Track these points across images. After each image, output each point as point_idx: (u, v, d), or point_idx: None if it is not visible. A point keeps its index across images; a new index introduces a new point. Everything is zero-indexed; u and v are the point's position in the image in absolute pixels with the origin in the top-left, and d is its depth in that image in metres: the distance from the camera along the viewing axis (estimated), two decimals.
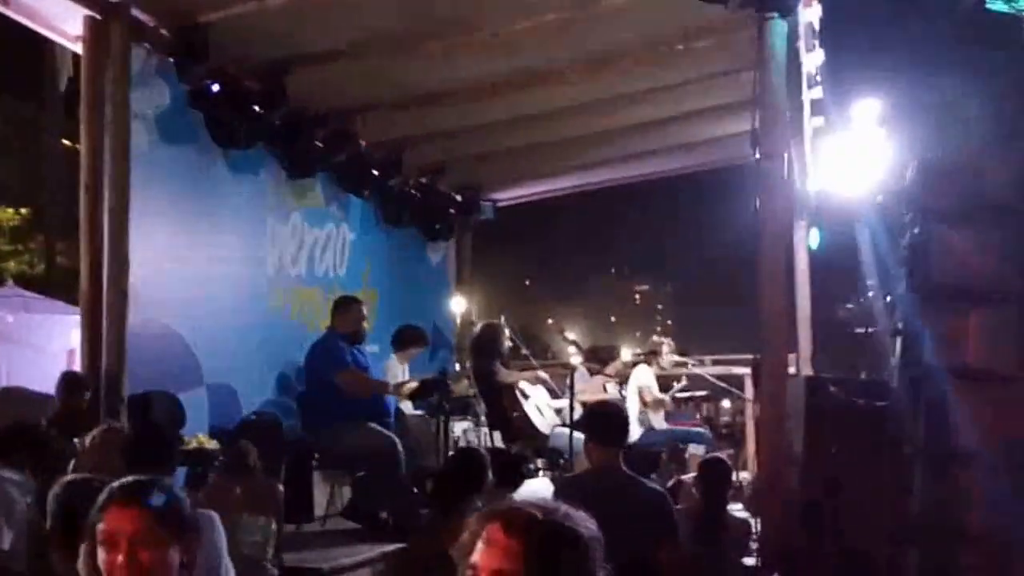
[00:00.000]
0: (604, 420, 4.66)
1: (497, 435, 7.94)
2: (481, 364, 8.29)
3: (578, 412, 8.95)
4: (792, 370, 6.91)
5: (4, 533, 3.90)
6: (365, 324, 7.05)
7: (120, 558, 2.10)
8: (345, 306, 7.00)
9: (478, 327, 8.58)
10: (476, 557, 1.71)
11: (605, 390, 9.00)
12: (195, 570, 2.23)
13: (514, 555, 1.67)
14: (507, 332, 8.36)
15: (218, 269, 7.39)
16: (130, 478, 2.29)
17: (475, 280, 12.23)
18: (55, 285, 14.54)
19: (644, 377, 8.93)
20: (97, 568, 2.15)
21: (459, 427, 7.96)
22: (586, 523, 1.74)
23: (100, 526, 2.14)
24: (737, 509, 6.69)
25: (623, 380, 9.15)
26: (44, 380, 5.67)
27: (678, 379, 9.33)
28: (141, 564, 2.11)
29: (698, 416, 11.60)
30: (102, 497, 2.18)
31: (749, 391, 8.95)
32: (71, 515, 2.64)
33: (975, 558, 2.92)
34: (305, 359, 6.85)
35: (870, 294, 5.55)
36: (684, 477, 7.61)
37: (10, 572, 3.77)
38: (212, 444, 6.50)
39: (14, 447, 4.32)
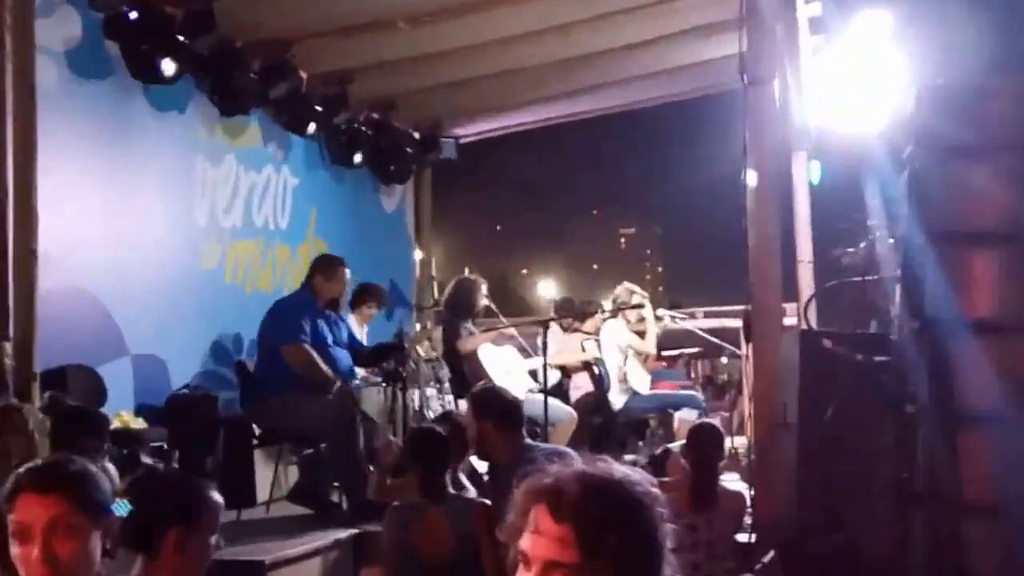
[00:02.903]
0: (504, 402, 4.91)
1: (464, 404, 7.98)
2: (450, 325, 8.31)
3: (553, 375, 9.04)
4: (791, 321, 6.98)
5: None
6: (344, 289, 7.04)
7: (35, 552, 2.03)
8: (330, 267, 6.89)
9: (451, 283, 8.56)
10: (526, 545, 1.68)
11: (583, 350, 9.05)
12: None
13: (568, 544, 1.64)
14: (484, 289, 8.37)
15: (141, 222, 7.36)
16: (40, 460, 2.22)
17: (437, 228, 12.24)
18: None
19: (618, 334, 8.94)
20: (11, 564, 2.09)
21: (420, 394, 8.00)
22: (644, 483, 1.72)
23: (11, 517, 2.07)
24: (732, 480, 6.78)
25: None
26: None
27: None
28: (59, 557, 2.05)
29: (692, 376, 11.72)
30: (9, 484, 2.11)
31: (745, 346, 9.03)
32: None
33: (982, 530, 3.00)
34: (263, 319, 6.81)
35: (875, 236, 5.62)
36: (672, 446, 7.70)
37: None
38: (138, 423, 6.52)
39: None
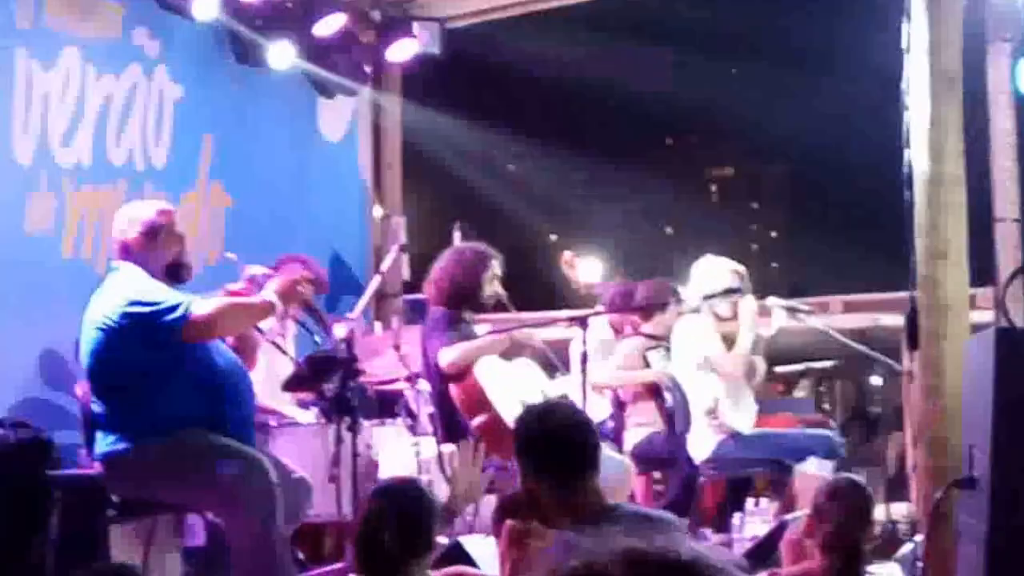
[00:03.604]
0: (562, 434, 4.78)
1: (452, 451, 7.97)
2: (434, 324, 8.27)
3: (599, 407, 9.00)
4: (983, 316, 6.92)
5: None
6: (185, 246, 6.94)
7: None
8: (146, 216, 6.87)
9: (443, 256, 8.50)
10: None
11: (646, 363, 9.01)
12: None
13: None
14: (495, 267, 8.33)
15: None
16: None
17: (411, 170, 12.20)
18: None
19: (703, 338, 8.86)
20: None
21: (381, 436, 7.99)
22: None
23: None
24: (887, 571, 6.77)
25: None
26: None
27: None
28: None
29: (824, 406, 11.68)
30: None
31: (907, 358, 8.98)
32: None
33: None
34: (85, 324, 6.77)
35: None
36: (791, 517, 7.69)
37: None
38: None
39: None
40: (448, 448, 7.82)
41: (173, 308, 6.36)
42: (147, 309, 6.37)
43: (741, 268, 9.13)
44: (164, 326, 6.37)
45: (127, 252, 6.71)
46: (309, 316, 7.51)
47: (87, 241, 8.45)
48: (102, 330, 6.51)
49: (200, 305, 6.41)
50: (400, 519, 4.69)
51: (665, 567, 1.75)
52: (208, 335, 6.51)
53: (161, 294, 6.45)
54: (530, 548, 4.66)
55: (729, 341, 8.83)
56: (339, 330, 7.29)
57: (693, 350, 8.74)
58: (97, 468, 6.73)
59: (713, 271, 8.95)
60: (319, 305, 7.61)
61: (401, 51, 10.83)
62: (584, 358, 7.57)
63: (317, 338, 7.44)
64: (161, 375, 6.46)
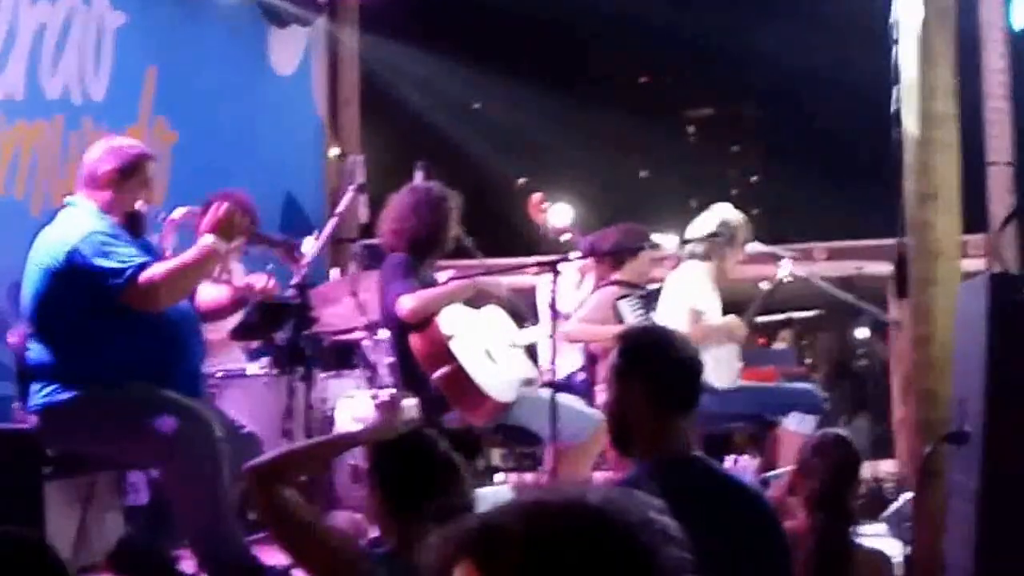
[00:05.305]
0: (681, 365, 4.69)
1: (412, 402, 7.96)
2: (392, 271, 8.24)
3: (570, 358, 9.00)
4: (975, 264, 6.93)
5: None
6: (152, 196, 6.89)
7: None
8: (128, 156, 6.79)
9: (397, 198, 8.45)
10: None
11: (618, 314, 8.99)
12: None
13: None
14: (454, 206, 8.28)
15: None
16: None
17: (369, 106, 12.17)
18: None
19: (697, 287, 8.88)
20: None
21: (335, 389, 7.97)
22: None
23: None
24: (874, 533, 6.79)
25: (649, 296, 9.11)
26: None
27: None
28: None
29: (807, 359, 11.72)
30: None
31: (895, 307, 9.00)
32: None
33: None
34: (29, 263, 6.70)
35: None
36: (773, 475, 7.70)
37: None
38: None
39: None
40: (408, 397, 7.81)
41: (118, 272, 6.29)
42: (91, 263, 6.29)
43: (731, 216, 9.08)
44: (105, 287, 6.31)
45: (93, 183, 6.61)
46: (265, 246, 7.41)
47: (20, 179, 8.39)
48: (45, 271, 6.44)
49: (149, 272, 6.31)
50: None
51: (568, 516, 1.75)
52: (154, 305, 6.38)
53: (111, 249, 6.36)
54: None
55: (723, 292, 8.86)
56: (307, 244, 7.18)
57: (685, 299, 8.73)
58: (32, 421, 6.70)
59: (707, 217, 8.96)
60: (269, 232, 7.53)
61: None
62: (554, 307, 7.53)
63: (270, 266, 7.32)
64: (105, 322, 6.40)
